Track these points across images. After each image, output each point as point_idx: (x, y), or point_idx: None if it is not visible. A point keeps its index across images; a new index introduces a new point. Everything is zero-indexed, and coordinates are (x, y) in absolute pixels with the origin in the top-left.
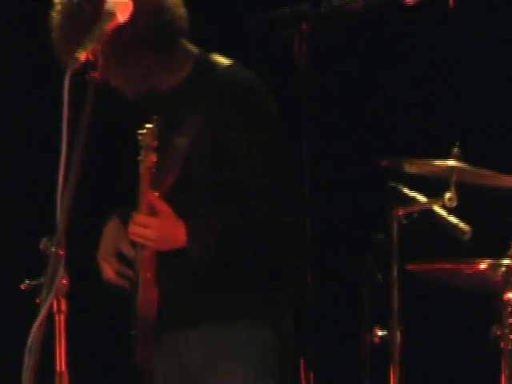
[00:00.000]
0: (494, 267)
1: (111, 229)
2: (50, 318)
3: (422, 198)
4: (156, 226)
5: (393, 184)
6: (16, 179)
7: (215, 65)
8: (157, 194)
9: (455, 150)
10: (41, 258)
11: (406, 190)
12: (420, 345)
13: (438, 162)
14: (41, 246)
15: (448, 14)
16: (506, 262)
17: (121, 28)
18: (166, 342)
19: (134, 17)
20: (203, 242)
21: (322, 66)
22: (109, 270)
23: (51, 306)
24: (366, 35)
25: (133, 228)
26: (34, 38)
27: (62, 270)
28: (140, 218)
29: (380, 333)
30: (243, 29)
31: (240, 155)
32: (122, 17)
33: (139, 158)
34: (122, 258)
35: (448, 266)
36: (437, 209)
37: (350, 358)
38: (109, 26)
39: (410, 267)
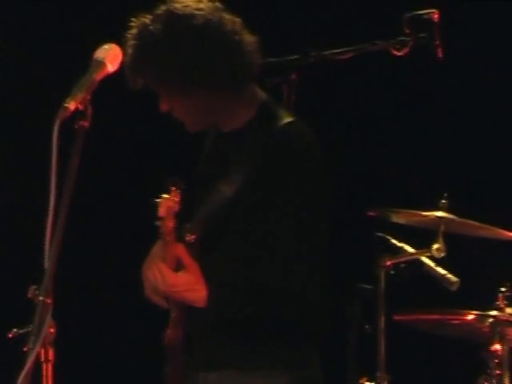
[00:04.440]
0: (482, 318)
1: (159, 247)
2: (37, 367)
3: (409, 249)
4: (170, 282)
5: (380, 234)
6: (4, 227)
7: (276, 118)
8: (183, 247)
9: (443, 201)
10: (28, 306)
11: (393, 241)
12: None
13: (426, 213)
14: (28, 295)
15: (437, 64)
16: (493, 313)
17: (194, 59)
18: (190, 378)
19: (211, 52)
20: (223, 310)
21: (311, 115)
22: (147, 288)
23: (38, 355)
24: (354, 85)
25: (151, 268)
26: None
27: (49, 319)
28: (161, 265)
29: (367, 383)
30: None
31: (274, 217)
32: (111, 66)
33: (157, 223)
34: None
35: (435, 316)
36: (425, 259)
37: None
38: (98, 76)
39: (397, 317)
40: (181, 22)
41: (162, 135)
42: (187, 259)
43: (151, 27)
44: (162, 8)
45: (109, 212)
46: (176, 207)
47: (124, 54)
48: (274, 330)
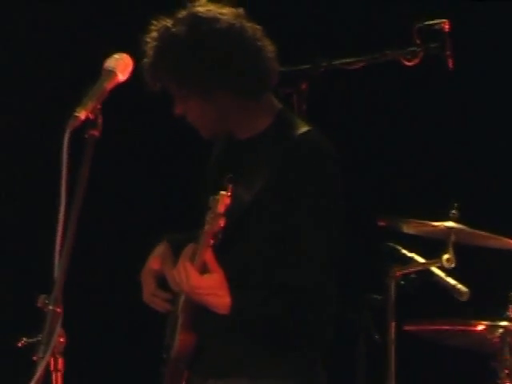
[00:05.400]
0: (492, 329)
1: (159, 251)
2: (46, 377)
3: (419, 259)
4: (194, 283)
5: (391, 244)
6: (14, 236)
7: (293, 127)
8: (213, 253)
9: (453, 211)
10: (38, 315)
11: (403, 251)
12: None
13: (437, 223)
14: (38, 304)
15: (447, 74)
16: (503, 323)
17: (218, 62)
18: None
19: (234, 55)
20: (244, 318)
21: (321, 125)
22: (146, 293)
23: (48, 365)
24: (364, 94)
25: (179, 266)
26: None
27: (59, 328)
28: (188, 264)
29: None
30: None
31: (293, 220)
32: (122, 76)
33: (206, 219)
34: (163, 282)
35: (445, 327)
36: (435, 270)
37: None
38: (109, 85)
39: (407, 327)
40: (204, 25)
41: (172, 144)
42: (214, 265)
43: (174, 29)
44: (184, 12)
45: (118, 221)
46: (227, 208)
47: (143, 58)
48: (290, 334)
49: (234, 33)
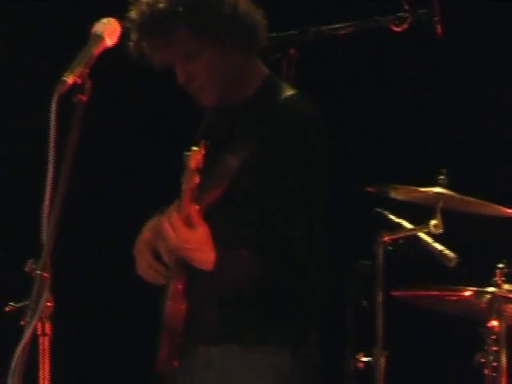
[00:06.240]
0: (479, 295)
1: (150, 225)
2: (34, 341)
3: (407, 225)
4: (182, 236)
5: (379, 210)
6: (1, 202)
7: (279, 91)
8: (197, 208)
9: (442, 177)
10: (26, 280)
11: (391, 216)
12: (405, 371)
13: (425, 189)
14: (26, 269)
15: (436, 40)
16: (490, 289)
17: (232, 10)
18: (188, 354)
19: (242, 7)
20: (230, 275)
21: (309, 91)
22: (142, 264)
23: (35, 329)
24: (353, 60)
25: (164, 222)
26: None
27: (47, 293)
28: (175, 219)
29: (364, 359)
30: None
31: (278, 186)
32: (110, 40)
33: (182, 177)
34: (158, 256)
35: (433, 292)
36: (422, 235)
37: None
38: (97, 50)
39: (395, 293)
40: None
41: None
42: (198, 219)
43: None
44: None
45: (109, 189)
46: (201, 165)
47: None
48: (279, 300)
49: None
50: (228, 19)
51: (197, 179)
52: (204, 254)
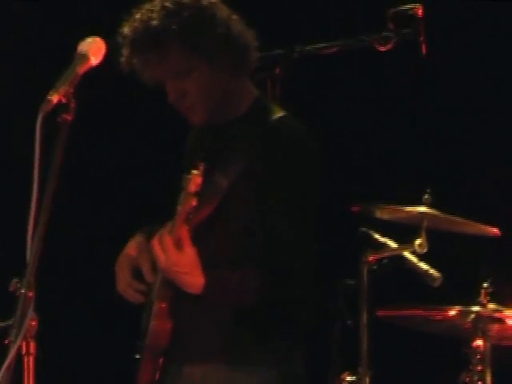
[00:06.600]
0: (464, 314)
1: (135, 243)
2: (18, 360)
3: (392, 244)
4: (172, 259)
5: (364, 229)
6: None
7: (269, 112)
8: (187, 229)
9: (426, 196)
10: (10, 299)
11: (376, 236)
12: None
13: (409, 208)
14: (10, 288)
15: (420, 60)
16: (475, 309)
17: (228, 26)
18: (172, 372)
19: (235, 26)
20: (218, 298)
21: (294, 110)
22: (121, 282)
23: (20, 348)
24: (338, 79)
25: (154, 243)
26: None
27: (31, 312)
28: (167, 241)
29: (349, 378)
30: None
31: (269, 206)
32: (95, 59)
33: (179, 199)
34: (139, 274)
35: (418, 312)
36: (407, 255)
37: None
38: (81, 69)
39: (380, 313)
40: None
41: (153, 135)
42: (187, 242)
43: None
44: None
45: (93, 205)
46: (199, 188)
47: (144, 31)
48: (266, 320)
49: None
50: (220, 39)
51: (194, 202)
52: (193, 278)
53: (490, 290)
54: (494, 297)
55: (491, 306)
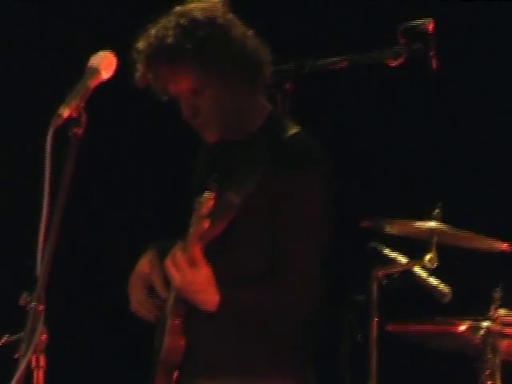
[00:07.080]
0: (474, 329)
1: (146, 260)
2: (28, 374)
3: (402, 259)
4: (187, 278)
5: (374, 244)
6: None
7: (284, 128)
8: (200, 247)
9: (436, 211)
10: (20, 313)
11: (386, 251)
12: None
13: (419, 224)
14: (21, 301)
15: (431, 75)
16: (485, 324)
17: (242, 43)
18: None
19: (251, 41)
20: (232, 315)
21: (305, 124)
22: (134, 301)
23: (30, 362)
24: (349, 94)
25: (168, 262)
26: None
27: (41, 326)
28: (180, 260)
29: None
30: None
31: (282, 223)
32: (106, 74)
33: (191, 222)
34: (152, 290)
35: (427, 327)
36: (417, 270)
37: None
38: (92, 83)
39: (389, 328)
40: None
41: (163, 147)
42: (202, 261)
43: (192, 14)
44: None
45: (102, 218)
46: (211, 210)
47: (159, 50)
48: (279, 335)
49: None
50: (235, 57)
51: (206, 225)
52: (208, 296)
53: (499, 302)
54: (503, 301)
55: (501, 311)
